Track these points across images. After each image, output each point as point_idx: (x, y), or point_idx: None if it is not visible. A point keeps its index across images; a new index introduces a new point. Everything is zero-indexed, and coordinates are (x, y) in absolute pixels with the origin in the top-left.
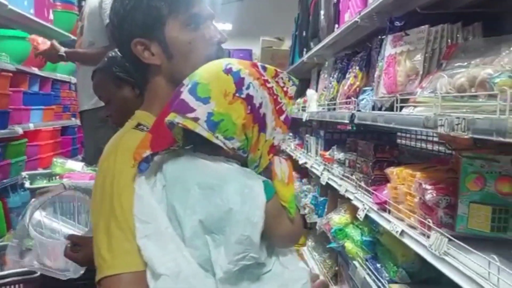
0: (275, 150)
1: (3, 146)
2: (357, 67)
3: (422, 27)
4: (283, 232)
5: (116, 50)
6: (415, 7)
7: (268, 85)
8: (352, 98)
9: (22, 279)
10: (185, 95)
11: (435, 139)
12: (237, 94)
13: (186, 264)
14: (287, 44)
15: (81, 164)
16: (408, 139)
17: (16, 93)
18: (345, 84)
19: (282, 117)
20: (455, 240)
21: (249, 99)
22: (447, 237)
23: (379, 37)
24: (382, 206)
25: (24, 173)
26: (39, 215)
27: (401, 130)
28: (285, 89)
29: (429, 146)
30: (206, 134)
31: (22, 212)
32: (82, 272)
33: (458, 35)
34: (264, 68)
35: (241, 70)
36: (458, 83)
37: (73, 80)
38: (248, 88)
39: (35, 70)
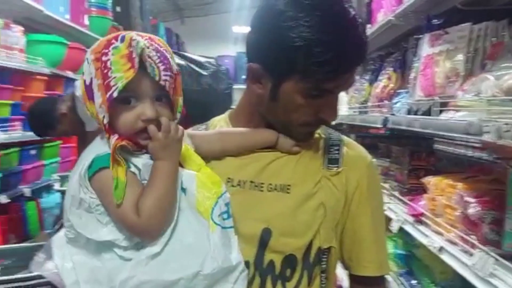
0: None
1: (37, 148)
2: (391, 68)
3: (464, 25)
4: (112, 212)
5: None
6: (455, 4)
7: (103, 58)
8: (386, 101)
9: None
10: None
11: (476, 144)
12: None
13: None
14: None
15: None
16: (446, 144)
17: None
18: (378, 86)
19: (108, 94)
20: (502, 260)
21: (83, 75)
22: (493, 257)
23: (415, 36)
24: (419, 219)
25: (55, 175)
26: None
27: (438, 135)
28: (131, 60)
29: (469, 152)
30: None
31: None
32: None
33: (503, 33)
34: (122, 39)
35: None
36: (506, 86)
37: None
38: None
39: (70, 74)
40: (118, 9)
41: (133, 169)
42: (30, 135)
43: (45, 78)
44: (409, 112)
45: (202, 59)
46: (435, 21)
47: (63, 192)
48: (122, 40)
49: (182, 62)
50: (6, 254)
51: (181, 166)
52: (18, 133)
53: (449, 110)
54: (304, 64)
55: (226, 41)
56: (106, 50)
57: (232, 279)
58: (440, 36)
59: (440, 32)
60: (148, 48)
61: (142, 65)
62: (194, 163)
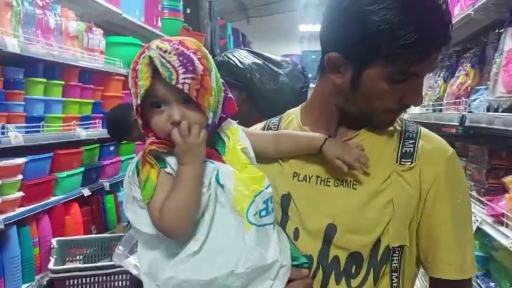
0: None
1: (115, 145)
2: (469, 64)
3: None
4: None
5: (223, 54)
6: None
7: (136, 67)
8: (463, 98)
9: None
10: None
11: None
12: None
13: None
14: None
15: None
16: None
17: (128, 96)
18: (454, 83)
19: (137, 101)
20: None
21: None
22: None
23: (496, 30)
24: (499, 219)
25: None
26: None
27: None
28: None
29: None
30: None
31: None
32: None
33: None
34: (149, 48)
35: None
36: None
37: None
38: None
39: None
40: (188, 10)
41: (169, 169)
42: None
43: (122, 78)
44: (488, 109)
45: (279, 58)
46: None
47: None
48: (148, 48)
49: (258, 61)
50: (88, 243)
51: (223, 161)
52: (98, 130)
53: None
54: (389, 48)
55: (292, 40)
56: (138, 60)
57: (271, 275)
58: None
59: None
60: (167, 53)
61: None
62: (238, 161)
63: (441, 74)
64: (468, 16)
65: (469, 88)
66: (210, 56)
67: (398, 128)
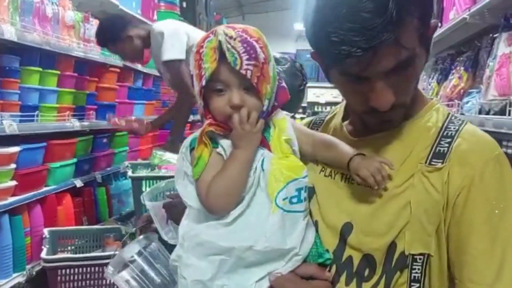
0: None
1: (108, 137)
2: (462, 68)
3: None
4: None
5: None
6: None
7: (200, 51)
8: (456, 100)
9: None
10: None
11: None
12: None
13: None
14: None
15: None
16: None
17: (122, 88)
18: (448, 85)
19: (200, 83)
20: None
21: None
22: None
23: (490, 35)
24: None
25: (126, 163)
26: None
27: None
28: (216, 52)
29: None
30: None
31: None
32: None
33: None
34: (214, 33)
35: None
36: None
37: None
38: None
39: (139, 67)
40: (184, 4)
41: (220, 149)
42: (103, 124)
43: (118, 70)
44: (480, 111)
45: (277, 55)
46: None
47: (135, 179)
48: (214, 33)
49: None
50: (79, 234)
51: (269, 148)
52: (92, 121)
53: None
54: (323, 51)
55: (287, 38)
56: (202, 43)
57: (285, 259)
58: None
59: None
60: (233, 39)
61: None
62: (280, 149)
63: (435, 77)
64: (464, 20)
65: (462, 90)
66: (269, 47)
67: (439, 124)
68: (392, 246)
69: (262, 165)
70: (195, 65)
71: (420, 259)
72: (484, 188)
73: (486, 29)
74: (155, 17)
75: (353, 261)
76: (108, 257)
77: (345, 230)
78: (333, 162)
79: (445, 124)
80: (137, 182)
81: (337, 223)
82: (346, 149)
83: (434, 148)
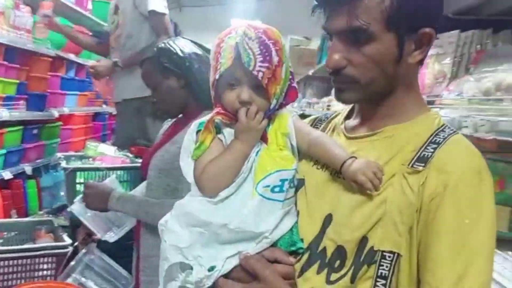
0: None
1: (39, 128)
2: None
3: (453, 32)
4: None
5: (165, 41)
6: (447, 13)
7: (221, 45)
8: None
9: (54, 253)
10: None
11: None
12: None
13: None
14: (314, 44)
15: (114, 148)
16: None
17: (54, 78)
18: None
19: (215, 75)
20: None
21: None
22: None
23: None
24: None
25: (59, 154)
26: None
27: None
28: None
29: None
30: None
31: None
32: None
33: (487, 41)
34: (236, 30)
35: None
36: (484, 87)
37: None
38: None
39: (72, 56)
40: None
41: (222, 137)
42: (33, 115)
43: (49, 59)
44: None
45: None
46: None
47: (68, 170)
48: (235, 31)
49: (199, 51)
50: (8, 227)
51: (266, 141)
52: (22, 112)
53: (436, 107)
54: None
55: None
56: (224, 38)
57: (256, 242)
58: None
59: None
60: (251, 40)
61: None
62: (275, 142)
63: None
64: None
65: None
66: (286, 48)
67: (431, 132)
68: (364, 240)
69: (256, 154)
70: (213, 56)
71: (389, 257)
72: (457, 198)
73: None
74: (89, 6)
75: (327, 252)
76: (40, 249)
77: (326, 221)
78: (326, 163)
79: (436, 132)
80: (70, 173)
81: (320, 214)
82: (339, 152)
83: (419, 152)
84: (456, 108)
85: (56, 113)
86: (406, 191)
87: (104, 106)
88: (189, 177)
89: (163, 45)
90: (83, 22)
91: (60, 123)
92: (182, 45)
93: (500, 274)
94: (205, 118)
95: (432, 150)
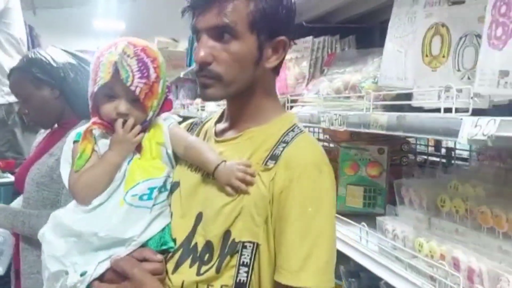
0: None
1: None
2: None
3: (307, 38)
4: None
5: (35, 50)
6: (302, 21)
7: (100, 59)
8: None
9: None
10: None
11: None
12: None
13: None
14: (182, 46)
15: None
16: None
17: None
18: None
19: (93, 87)
20: (337, 215)
21: None
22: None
23: None
24: None
25: None
26: None
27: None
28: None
29: None
30: None
31: None
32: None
33: (336, 46)
34: (116, 47)
35: None
36: (335, 87)
37: None
38: None
39: None
40: None
41: (95, 146)
42: None
43: None
44: None
45: (78, 53)
46: None
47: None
48: (115, 47)
49: (73, 61)
50: None
51: (140, 150)
52: None
53: (298, 105)
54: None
55: (87, 35)
56: (104, 52)
57: (125, 246)
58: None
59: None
60: (130, 57)
61: None
62: (148, 151)
63: None
64: None
65: None
66: (164, 65)
67: (282, 132)
68: (227, 233)
69: (128, 163)
70: (93, 69)
71: (249, 246)
72: (300, 189)
73: None
74: None
75: (198, 247)
76: None
77: (197, 220)
78: (200, 167)
79: (287, 132)
80: None
81: (193, 213)
82: (212, 156)
83: (272, 151)
84: (315, 105)
85: None
86: (260, 186)
87: None
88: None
89: (33, 55)
90: None
91: None
92: (54, 55)
93: (356, 242)
94: (82, 128)
95: (281, 149)
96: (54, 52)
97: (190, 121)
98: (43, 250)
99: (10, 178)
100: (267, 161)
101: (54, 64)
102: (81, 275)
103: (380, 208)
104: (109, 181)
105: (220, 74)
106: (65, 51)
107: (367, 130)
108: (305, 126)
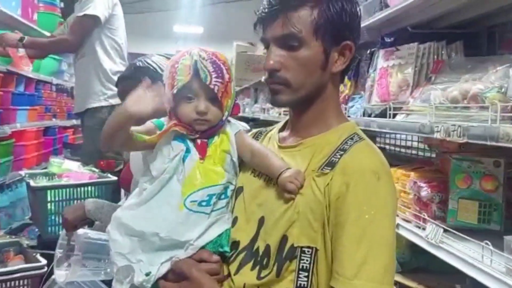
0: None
1: None
2: (346, 77)
3: (412, 44)
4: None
5: (142, 59)
6: (407, 26)
7: (175, 65)
8: (342, 105)
9: (30, 275)
10: None
11: (414, 143)
12: None
13: None
14: (259, 49)
15: (77, 164)
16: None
17: (5, 93)
18: None
19: (172, 90)
20: (450, 230)
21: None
22: (442, 228)
23: (369, 50)
24: None
25: (22, 172)
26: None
27: (380, 135)
28: (191, 69)
29: (404, 150)
30: None
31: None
32: None
33: (442, 52)
34: (190, 53)
35: None
36: (451, 96)
37: (55, 81)
38: None
39: (22, 71)
40: (61, 4)
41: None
42: None
43: (1, 75)
44: (363, 114)
45: (156, 56)
46: (387, 39)
47: (34, 189)
48: (189, 54)
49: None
50: None
51: (204, 153)
52: None
53: (402, 113)
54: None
55: (167, 39)
56: (178, 60)
57: (184, 248)
58: (392, 52)
59: (393, 49)
60: (205, 60)
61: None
62: (213, 156)
63: None
64: None
65: (346, 96)
66: (232, 69)
67: (341, 140)
68: (284, 239)
69: (183, 159)
70: (169, 76)
71: (308, 251)
72: (356, 195)
73: (364, 44)
74: (35, 17)
75: (259, 251)
76: (16, 271)
77: (260, 224)
78: (265, 172)
79: (346, 140)
80: (41, 192)
81: (256, 217)
82: (277, 162)
83: (329, 158)
84: (424, 114)
85: (8, 130)
86: (316, 192)
87: (53, 119)
88: (135, 171)
89: (140, 63)
90: (29, 33)
91: (13, 140)
92: (160, 63)
93: (476, 260)
94: (164, 118)
95: (339, 156)
96: (159, 60)
97: (255, 130)
98: (109, 247)
99: (111, 177)
100: (323, 167)
101: (160, 72)
102: (146, 275)
103: (495, 225)
104: (115, 131)
105: (288, 79)
106: (167, 58)
107: (494, 143)
108: (390, 135)
